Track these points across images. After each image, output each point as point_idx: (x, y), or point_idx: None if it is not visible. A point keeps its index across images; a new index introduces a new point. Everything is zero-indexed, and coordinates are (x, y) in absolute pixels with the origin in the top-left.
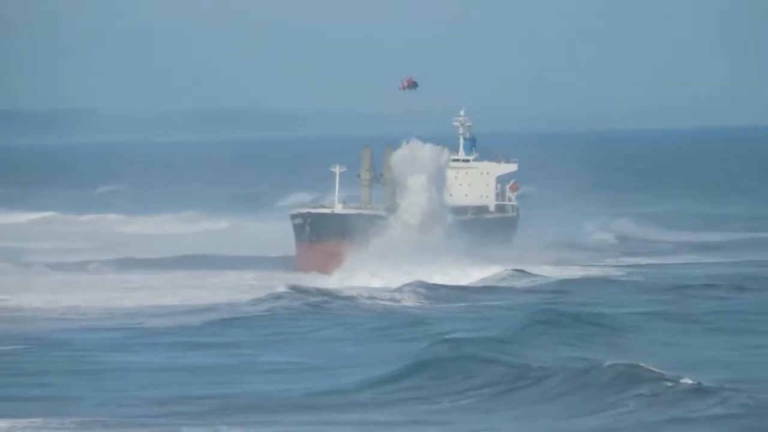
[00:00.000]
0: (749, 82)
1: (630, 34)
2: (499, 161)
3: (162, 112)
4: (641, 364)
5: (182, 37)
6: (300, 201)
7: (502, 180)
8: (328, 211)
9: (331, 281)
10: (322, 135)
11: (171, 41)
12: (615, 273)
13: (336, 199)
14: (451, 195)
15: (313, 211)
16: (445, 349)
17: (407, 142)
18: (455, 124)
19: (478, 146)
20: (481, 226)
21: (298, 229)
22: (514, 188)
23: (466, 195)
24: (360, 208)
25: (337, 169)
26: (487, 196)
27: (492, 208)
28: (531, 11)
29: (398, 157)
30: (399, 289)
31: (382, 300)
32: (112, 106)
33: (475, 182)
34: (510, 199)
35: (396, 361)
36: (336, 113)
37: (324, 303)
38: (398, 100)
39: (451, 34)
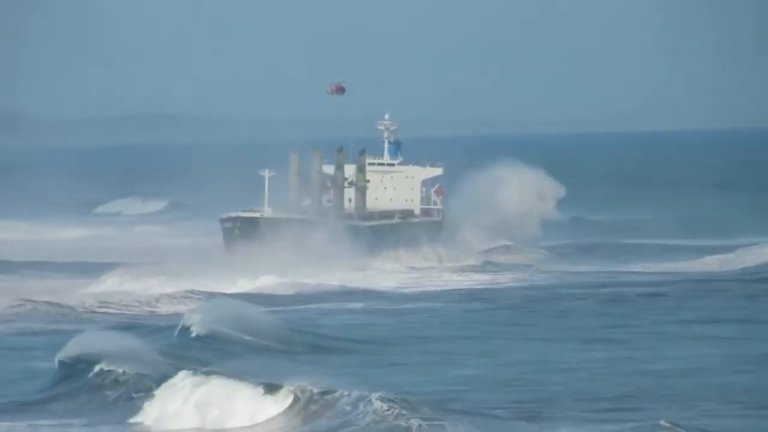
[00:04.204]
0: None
1: (554, 38)
2: (424, 165)
3: (94, 117)
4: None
5: (113, 41)
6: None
7: (427, 184)
8: (257, 215)
9: (106, 286)
10: (248, 140)
11: (102, 45)
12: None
13: (265, 203)
14: (376, 199)
15: (242, 215)
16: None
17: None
18: (380, 128)
19: (403, 150)
20: (404, 231)
21: (228, 233)
22: (439, 192)
23: (391, 199)
24: (289, 212)
25: (266, 174)
26: (412, 200)
27: (417, 211)
28: (454, 17)
29: None
30: (157, 297)
31: (113, 308)
32: (40, 110)
33: (400, 186)
34: (435, 203)
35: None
36: (259, 119)
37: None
38: (323, 105)
39: (376, 40)
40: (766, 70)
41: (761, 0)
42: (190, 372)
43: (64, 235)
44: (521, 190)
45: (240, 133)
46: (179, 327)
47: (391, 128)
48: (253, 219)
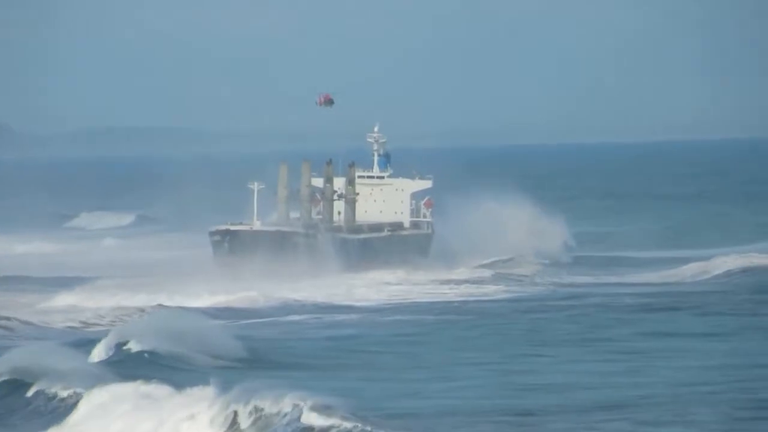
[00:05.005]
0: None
1: (541, 49)
2: (413, 178)
3: (80, 129)
4: None
5: (98, 52)
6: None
7: (416, 197)
8: (246, 228)
9: (74, 300)
10: (235, 152)
11: (87, 56)
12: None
13: (255, 216)
14: (365, 211)
15: (231, 228)
16: None
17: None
18: (369, 140)
19: (393, 163)
20: (394, 244)
21: (217, 246)
22: (428, 205)
23: (380, 211)
24: (279, 225)
25: (255, 186)
26: (402, 213)
27: (407, 224)
28: (445, 26)
29: None
30: (131, 311)
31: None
32: (24, 123)
33: (390, 199)
34: (425, 216)
35: None
36: (247, 131)
37: None
38: (312, 116)
39: (366, 51)
40: (746, 82)
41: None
42: (115, 388)
43: (32, 249)
44: (516, 229)
45: (227, 146)
46: (107, 342)
47: (381, 141)
48: (243, 232)
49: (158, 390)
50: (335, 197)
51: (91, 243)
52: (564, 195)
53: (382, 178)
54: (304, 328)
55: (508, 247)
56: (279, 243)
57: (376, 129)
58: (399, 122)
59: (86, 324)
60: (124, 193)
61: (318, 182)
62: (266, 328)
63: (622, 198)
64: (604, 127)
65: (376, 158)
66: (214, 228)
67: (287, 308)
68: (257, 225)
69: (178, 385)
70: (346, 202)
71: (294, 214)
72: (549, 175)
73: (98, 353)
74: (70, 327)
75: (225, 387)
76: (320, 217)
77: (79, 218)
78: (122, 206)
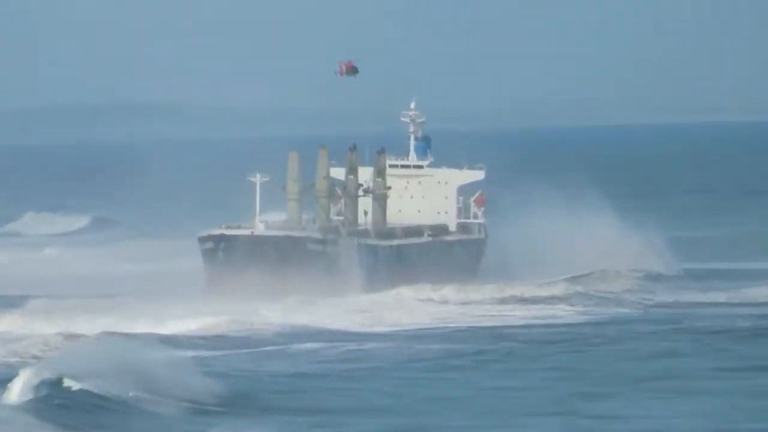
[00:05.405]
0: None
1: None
2: (460, 167)
3: (49, 106)
4: None
5: (74, 15)
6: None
7: (464, 191)
8: (246, 232)
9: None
10: (234, 135)
11: (62, 20)
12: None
13: (257, 217)
14: (399, 211)
15: (227, 232)
16: None
17: None
18: (405, 120)
19: (434, 148)
20: (438, 252)
21: (209, 256)
22: (480, 202)
23: (419, 211)
24: (288, 229)
25: (257, 179)
26: (446, 213)
27: (453, 227)
28: None
29: None
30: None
31: None
32: None
33: (431, 194)
34: (475, 216)
35: None
36: (249, 109)
37: None
38: (331, 91)
39: (397, 8)
40: None
41: None
42: None
43: None
44: (595, 235)
45: (221, 126)
46: (29, 378)
47: (419, 120)
48: (242, 238)
49: None
50: (360, 193)
51: (31, 252)
52: (641, 191)
53: (421, 167)
54: (315, 360)
55: (586, 258)
56: (288, 251)
57: (412, 106)
58: (439, 99)
59: (37, 357)
60: (78, 188)
61: (338, 173)
62: (267, 360)
63: (712, 193)
64: (687, 103)
65: (412, 142)
66: (205, 232)
67: (296, 335)
68: (260, 228)
69: None
70: (375, 199)
71: (307, 215)
72: (619, 164)
73: (16, 393)
74: (19, 360)
75: None
76: (341, 218)
77: (17, 222)
78: (73, 205)
